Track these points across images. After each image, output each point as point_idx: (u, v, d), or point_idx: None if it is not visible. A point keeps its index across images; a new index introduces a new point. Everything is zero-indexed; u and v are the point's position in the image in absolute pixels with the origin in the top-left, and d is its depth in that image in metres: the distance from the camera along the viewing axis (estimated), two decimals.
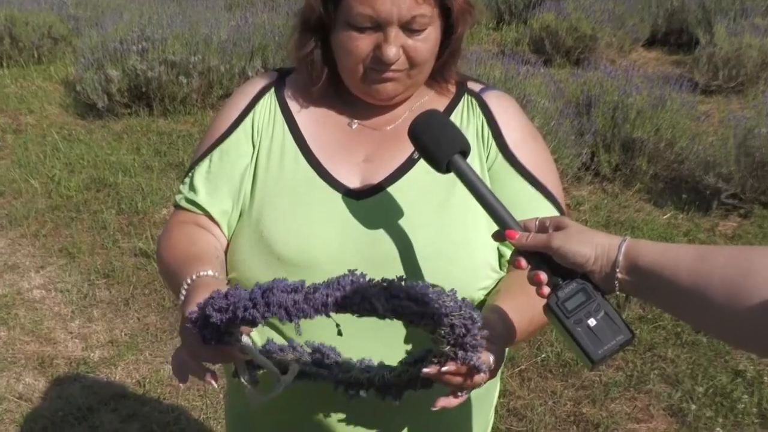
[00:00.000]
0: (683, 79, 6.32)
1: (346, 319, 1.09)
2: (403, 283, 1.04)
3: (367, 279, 1.05)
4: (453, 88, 1.49)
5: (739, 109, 6.35)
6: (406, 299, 1.03)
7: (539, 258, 1.14)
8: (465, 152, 1.23)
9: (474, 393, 1.41)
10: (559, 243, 1.10)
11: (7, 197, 5.53)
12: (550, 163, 1.47)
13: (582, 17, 9.17)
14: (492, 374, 1.18)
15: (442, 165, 1.22)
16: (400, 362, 1.25)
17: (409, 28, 1.32)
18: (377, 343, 1.33)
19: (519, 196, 1.38)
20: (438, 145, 1.22)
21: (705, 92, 7.56)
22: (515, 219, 1.18)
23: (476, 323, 1.07)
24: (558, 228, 1.13)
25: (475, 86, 1.50)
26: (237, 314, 1.05)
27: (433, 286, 1.06)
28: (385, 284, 1.04)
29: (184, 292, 1.24)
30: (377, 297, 1.03)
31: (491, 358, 1.16)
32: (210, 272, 1.27)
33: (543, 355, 3.60)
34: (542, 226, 1.16)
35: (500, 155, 1.41)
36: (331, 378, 1.27)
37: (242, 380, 1.24)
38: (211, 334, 1.10)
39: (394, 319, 1.05)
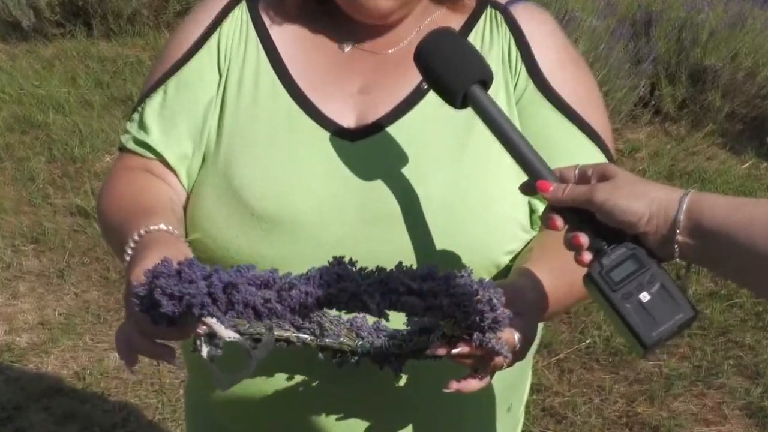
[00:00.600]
0: None
1: None
2: (403, 269, 1.04)
3: (358, 268, 1.05)
4: (471, 1, 1.46)
5: None
6: (406, 294, 1.04)
7: (579, 216, 1.12)
8: (486, 82, 1.21)
9: (498, 386, 1.41)
10: (604, 197, 1.08)
11: None
12: (596, 95, 1.45)
13: None
14: (518, 355, 1.17)
15: (457, 98, 1.20)
16: (403, 331, 1.24)
17: None
18: None
19: (555, 136, 1.37)
20: (452, 74, 1.20)
21: None
22: (549, 166, 1.16)
23: (496, 309, 1.07)
24: (603, 178, 1.12)
25: None
26: (192, 310, 1.05)
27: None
28: (380, 276, 1.04)
29: (129, 251, 1.23)
30: (370, 294, 1.03)
31: (516, 337, 1.15)
32: (163, 226, 1.25)
33: (587, 341, 3.62)
34: (583, 176, 1.14)
35: (531, 83, 1.39)
36: (315, 344, 1.25)
37: (203, 356, 1.23)
38: (161, 317, 1.09)
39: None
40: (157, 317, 1.09)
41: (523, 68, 1.40)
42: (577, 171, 1.15)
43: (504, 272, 1.36)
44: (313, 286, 1.03)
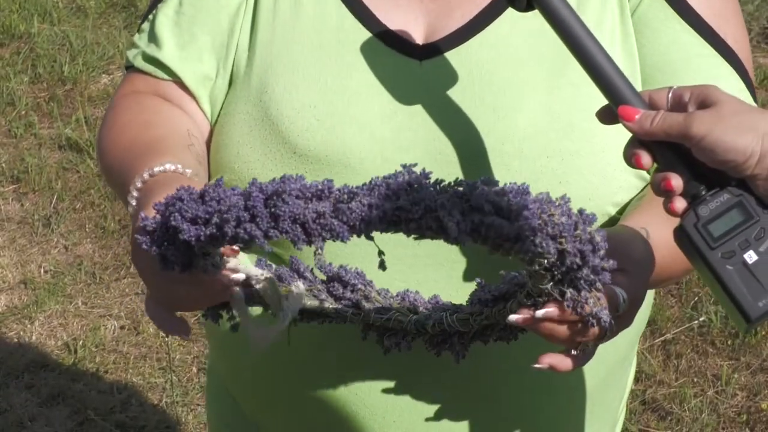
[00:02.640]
0: None
1: (391, 243, 1.07)
2: (487, 187, 0.99)
3: (433, 181, 1.01)
4: None
5: None
6: (492, 213, 0.99)
7: (672, 152, 1.12)
8: None
9: (597, 372, 1.42)
10: (703, 129, 1.07)
11: None
12: (732, 3, 1.43)
13: None
14: (622, 323, 1.16)
15: None
16: (471, 299, 1.23)
17: None
18: (438, 280, 1.34)
19: (680, 53, 1.36)
20: None
21: None
22: (635, 89, 1.15)
23: (599, 250, 1.03)
24: (704, 105, 1.10)
25: None
26: (225, 230, 1.01)
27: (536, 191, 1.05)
28: (461, 189, 1.00)
29: (134, 199, 1.24)
30: (449, 210, 0.98)
31: (621, 297, 1.13)
32: (172, 166, 1.25)
33: (701, 319, 3.63)
34: (679, 101, 1.13)
35: None
36: (358, 320, 1.26)
37: (236, 316, 1.24)
38: (176, 255, 1.07)
39: (472, 245, 1.02)
40: (170, 256, 1.07)
41: None
42: (671, 94, 1.14)
43: (609, 225, 1.35)
44: (378, 197, 0.99)
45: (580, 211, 1.03)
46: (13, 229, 4.21)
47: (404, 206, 0.98)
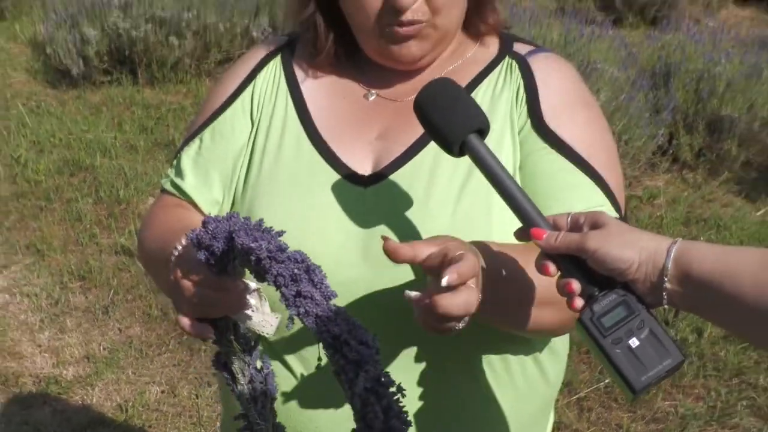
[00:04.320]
0: None
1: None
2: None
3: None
4: (495, 50, 1.49)
5: None
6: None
7: (571, 263, 1.11)
8: (483, 131, 1.19)
9: (522, 422, 1.42)
10: (595, 244, 1.07)
11: None
12: (604, 138, 1.42)
13: None
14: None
15: (454, 147, 1.19)
16: None
17: None
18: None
19: (554, 177, 1.35)
20: (449, 123, 1.19)
21: None
22: (542, 215, 1.15)
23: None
24: (595, 226, 1.10)
25: (522, 48, 1.48)
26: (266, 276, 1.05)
27: None
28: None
29: (176, 252, 1.23)
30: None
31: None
32: None
33: (606, 380, 3.61)
34: (576, 224, 1.13)
35: (529, 121, 1.38)
36: None
37: (251, 314, 1.24)
38: (216, 259, 1.10)
39: None
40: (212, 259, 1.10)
41: (525, 108, 1.39)
42: (569, 218, 1.14)
43: None
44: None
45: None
46: (79, 316, 4.18)
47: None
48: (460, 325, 1.10)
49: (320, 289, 1.03)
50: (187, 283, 1.14)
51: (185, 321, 1.17)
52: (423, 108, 1.22)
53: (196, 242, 1.11)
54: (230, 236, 1.08)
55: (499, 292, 1.19)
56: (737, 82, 5.47)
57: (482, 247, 1.19)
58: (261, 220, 1.10)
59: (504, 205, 1.23)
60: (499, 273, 1.20)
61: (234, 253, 1.10)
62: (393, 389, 0.98)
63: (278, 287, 1.04)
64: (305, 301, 1.02)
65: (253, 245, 1.05)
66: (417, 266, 1.24)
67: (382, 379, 0.98)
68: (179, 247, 1.24)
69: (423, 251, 1.11)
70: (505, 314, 1.27)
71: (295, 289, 1.03)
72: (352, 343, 0.99)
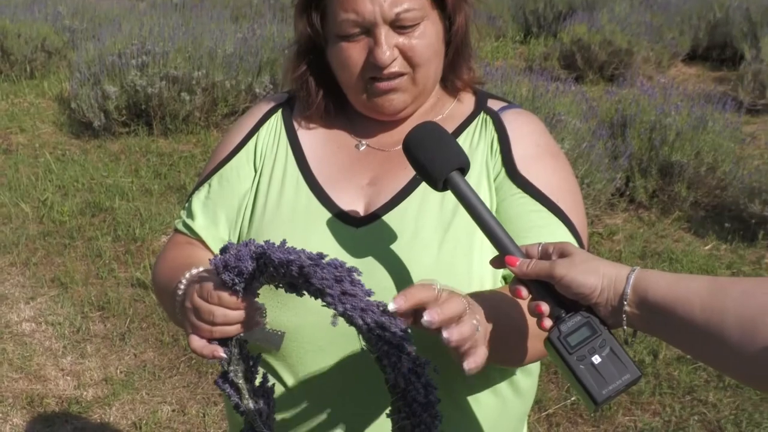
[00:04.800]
0: (727, 98, 6.32)
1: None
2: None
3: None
4: (471, 106, 1.50)
5: None
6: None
7: (541, 287, 1.13)
8: (463, 169, 1.21)
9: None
10: (562, 272, 1.09)
11: None
12: (569, 182, 1.44)
13: (617, 30, 9.20)
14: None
15: (438, 182, 1.21)
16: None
17: (399, 25, 1.34)
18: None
19: (526, 217, 1.36)
20: (434, 161, 1.21)
21: (750, 112, 7.59)
22: (516, 244, 1.17)
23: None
24: (562, 255, 1.12)
25: (495, 104, 1.50)
26: (311, 282, 1.06)
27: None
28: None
29: (181, 291, 1.24)
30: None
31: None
32: (202, 269, 1.26)
33: (572, 398, 3.60)
34: (545, 253, 1.15)
35: (503, 170, 1.40)
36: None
37: (261, 335, 1.24)
38: (241, 279, 1.11)
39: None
40: (237, 279, 1.11)
41: (500, 158, 1.40)
42: (540, 248, 1.15)
43: None
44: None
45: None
46: (98, 342, 4.17)
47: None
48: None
49: (360, 288, 1.06)
50: (208, 306, 1.14)
51: (198, 343, 1.17)
52: (411, 148, 1.24)
53: (223, 265, 1.11)
54: (257, 256, 1.10)
55: (499, 328, 1.19)
56: (685, 132, 5.51)
57: (476, 295, 1.20)
58: (284, 241, 1.11)
59: (483, 246, 1.27)
60: (497, 312, 1.20)
61: (260, 271, 1.11)
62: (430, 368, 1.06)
63: (323, 289, 1.05)
64: (351, 299, 1.05)
65: (292, 257, 1.07)
66: None
67: (420, 360, 1.05)
68: (184, 281, 1.24)
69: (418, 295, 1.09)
70: (508, 350, 1.27)
71: (339, 289, 1.05)
72: (394, 330, 1.05)
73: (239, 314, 1.14)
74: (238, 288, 1.12)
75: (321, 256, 1.07)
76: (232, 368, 1.20)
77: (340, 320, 1.08)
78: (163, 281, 1.40)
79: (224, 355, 1.17)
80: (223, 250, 1.12)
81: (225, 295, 1.12)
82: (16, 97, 8.66)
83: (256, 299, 1.17)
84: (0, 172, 6.50)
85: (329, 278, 1.05)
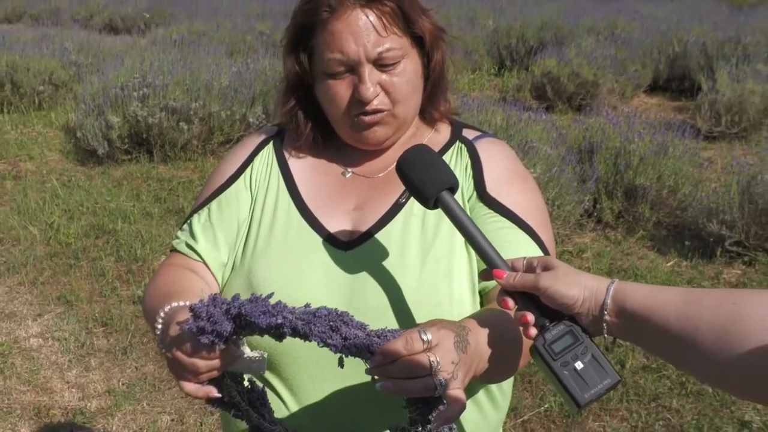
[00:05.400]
0: (685, 126, 6.39)
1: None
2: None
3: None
4: (447, 135, 1.52)
5: (742, 156, 6.40)
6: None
7: (526, 298, 1.13)
8: (453, 188, 1.22)
9: None
10: (546, 283, 1.10)
11: (5, 244, 5.55)
12: (537, 204, 1.45)
13: (584, 63, 9.28)
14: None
15: (429, 201, 1.21)
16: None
17: (381, 63, 1.36)
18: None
19: (498, 235, 1.36)
20: (425, 181, 1.21)
21: (707, 138, 7.66)
22: (503, 258, 1.17)
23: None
24: (546, 268, 1.13)
25: (470, 134, 1.52)
26: (309, 338, 1.06)
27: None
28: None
29: (159, 324, 1.24)
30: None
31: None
32: (181, 302, 1.26)
33: (546, 405, 3.59)
34: (530, 266, 1.15)
35: (475, 192, 1.41)
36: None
37: (245, 360, 1.22)
38: (221, 339, 1.09)
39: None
40: (217, 338, 1.09)
41: (472, 181, 1.42)
42: (525, 262, 1.16)
43: None
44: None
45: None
46: (101, 356, 4.13)
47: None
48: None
49: (355, 328, 1.07)
50: (190, 360, 1.14)
51: (191, 387, 1.17)
52: (404, 168, 1.25)
53: (199, 332, 1.09)
54: (234, 317, 1.08)
55: (500, 349, 1.19)
56: (648, 157, 5.54)
57: (470, 320, 1.20)
58: (254, 296, 1.10)
59: (461, 265, 1.28)
60: (498, 335, 1.20)
61: (240, 327, 1.10)
62: None
63: (324, 340, 1.06)
64: (351, 341, 1.06)
65: (280, 321, 1.06)
66: (396, 316, 1.30)
67: None
68: (162, 314, 1.23)
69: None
70: (505, 366, 1.28)
71: (339, 337, 1.06)
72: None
73: (220, 361, 1.14)
74: (217, 346, 1.11)
75: (308, 311, 1.06)
76: (225, 394, 1.20)
77: None
78: (148, 308, 1.39)
79: (219, 395, 1.17)
80: (194, 312, 1.10)
81: (204, 354, 1.12)
82: (25, 127, 8.66)
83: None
84: (10, 196, 6.48)
85: (326, 330, 1.05)
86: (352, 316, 1.08)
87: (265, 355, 1.23)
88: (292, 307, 1.08)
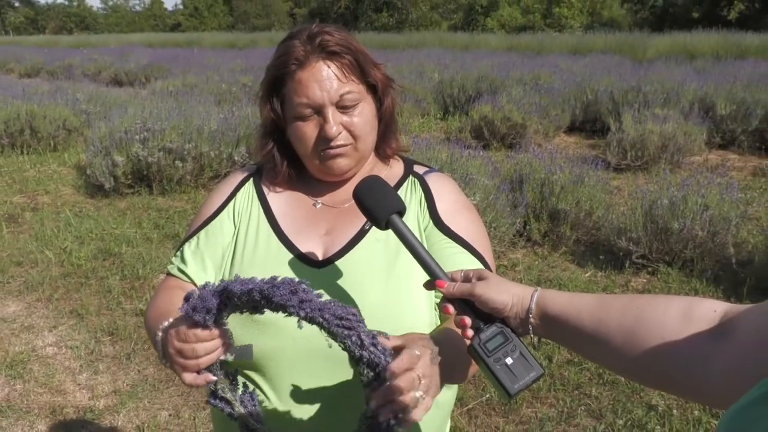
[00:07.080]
0: (598, 160, 6.47)
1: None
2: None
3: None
4: (401, 170, 1.51)
5: (644, 184, 6.51)
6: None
7: (464, 304, 1.12)
8: (401, 212, 1.22)
9: (427, 429, 1.39)
10: (480, 291, 1.09)
11: (24, 266, 5.44)
12: (479, 229, 1.45)
13: (513, 109, 9.39)
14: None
15: (381, 222, 1.21)
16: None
17: (342, 105, 1.36)
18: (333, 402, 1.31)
19: (451, 258, 1.36)
20: (378, 206, 1.21)
21: (616, 170, 7.78)
22: (444, 271, 1.17)
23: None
24: (480, 278, 1.12)
25: (420, 169, 1.52)
26: (273, 300, 1.02)
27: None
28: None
29: (159, 339, 1.21)
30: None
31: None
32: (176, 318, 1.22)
33: (487, 395, 3.58)
34: (467, 277, 1.14)
35: (431, 222, 1.41)
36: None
37: (232, 354, 1.19)
38: (210, 315, 1.07)
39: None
40: (206, 317, 1.07)
41: (428, 212, 1.42)
42: (462, 273, 1.15)
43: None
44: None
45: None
46: (108, 362, 4.05)
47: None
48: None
49: (312, 294, 1.04)
50: (189, 346, 1.11)
51: (190, 377, 1.14)
52: (360, 195, 1.24)
53: (192, 309, 1.07)
54: (219, 293, 1.06)
55: (454, 359, 1.19)
56: (568, 186, 5.61)
57: (435, 337, 1.17)
58: (237, 275, 1.09)
59: (419, 283, 1.25)
60: (454, 348, 1.19)
61: (224, 304, 1.07)
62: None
63: (284, 303, 1.02)
64: (308, 304, 1.03)
65: (251, 286, 1.04)
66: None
67: (374, 333, 1.04)
68: (160, 334, 1.20)
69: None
70: (459, 373, 1.26)
71: (296, 300, 1.03)
72: (350, 317, 1.03)
73: (216, 343, 1.12)
74: (209, 323, 1.09)
75: (274, 278, 1.04)
76: (219, 386, 1.17)
77: (334, 345, 1.06)
78: (148, 326, 1.37)
79: (215, 378, 1.14)
80: (187, 298, 1.09)
81: (199, 332, 1.10)
82: (42, 166, 8.54)
83: (226, 327, 1.15)
84: (29, 225, 6.36)
85: (286, 293, 1.02)
86: (312, 290, 1.05)
87: (251, 345, 1.21)
88: (261, 279, 1.06)
